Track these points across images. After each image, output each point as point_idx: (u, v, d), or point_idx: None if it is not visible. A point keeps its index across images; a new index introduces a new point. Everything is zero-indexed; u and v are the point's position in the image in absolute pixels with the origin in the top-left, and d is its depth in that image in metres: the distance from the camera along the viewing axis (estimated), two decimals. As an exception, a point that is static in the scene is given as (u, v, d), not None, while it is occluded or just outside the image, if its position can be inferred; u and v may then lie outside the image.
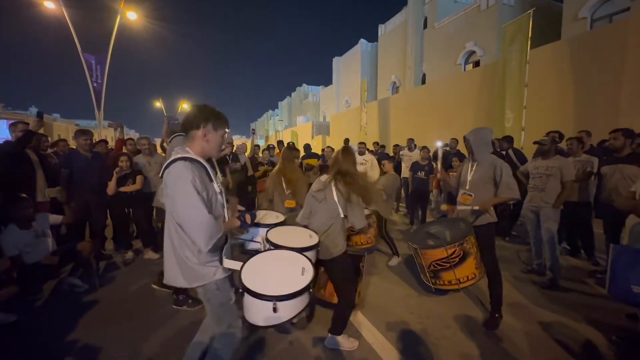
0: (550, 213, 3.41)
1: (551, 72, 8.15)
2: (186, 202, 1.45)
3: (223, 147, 1.73)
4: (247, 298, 1.56)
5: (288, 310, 1.56)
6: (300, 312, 1.65)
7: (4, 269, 2.88)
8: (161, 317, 2.80)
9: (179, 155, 1.52)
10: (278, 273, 1.72)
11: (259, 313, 1.56)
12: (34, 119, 3.41)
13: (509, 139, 5.39)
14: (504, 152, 5.19)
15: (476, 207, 2.69)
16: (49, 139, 5.05)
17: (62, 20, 11.14)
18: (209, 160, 1.68)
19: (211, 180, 1.61)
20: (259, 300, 1.52)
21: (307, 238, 2.19)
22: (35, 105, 47.96)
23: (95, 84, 12.03)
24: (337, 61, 28.42)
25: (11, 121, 3.70)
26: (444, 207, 3.23)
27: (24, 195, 3.13)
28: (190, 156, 1.54)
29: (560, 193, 3.38)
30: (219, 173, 1.77)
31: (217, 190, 1.64)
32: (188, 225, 1.48)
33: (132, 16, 12.34)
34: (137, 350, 2.34)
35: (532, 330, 2.63)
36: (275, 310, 1.51)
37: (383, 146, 9.81)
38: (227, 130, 1.69)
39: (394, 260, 4.15)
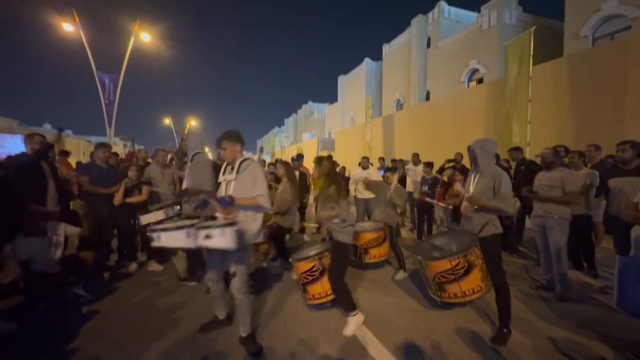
0: (556, 224, 3.35)
1: (553, 88, 8.21)
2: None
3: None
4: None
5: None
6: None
7: (12, 278, 2.90)
8: (162, 328, 2.77)
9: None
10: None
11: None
12: (54, 133, 3.52)
13: (518, 149, 5.23)
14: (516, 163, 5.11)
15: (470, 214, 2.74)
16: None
17: (78, 40, 11.66)
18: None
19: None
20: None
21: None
22: (48, 122, 49.35)
23: (107, 102, 12.42)
24: (342, 79, 28.98)
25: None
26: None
27: (34, 206, 3.19)
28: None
29: (565, 201, 3.34)
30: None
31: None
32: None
33: (145, 37, 12.86)
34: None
35: (542, 346, 2.53)
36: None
37: (383, 159, 10.03)
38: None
39: (400, 274, 4.08)
